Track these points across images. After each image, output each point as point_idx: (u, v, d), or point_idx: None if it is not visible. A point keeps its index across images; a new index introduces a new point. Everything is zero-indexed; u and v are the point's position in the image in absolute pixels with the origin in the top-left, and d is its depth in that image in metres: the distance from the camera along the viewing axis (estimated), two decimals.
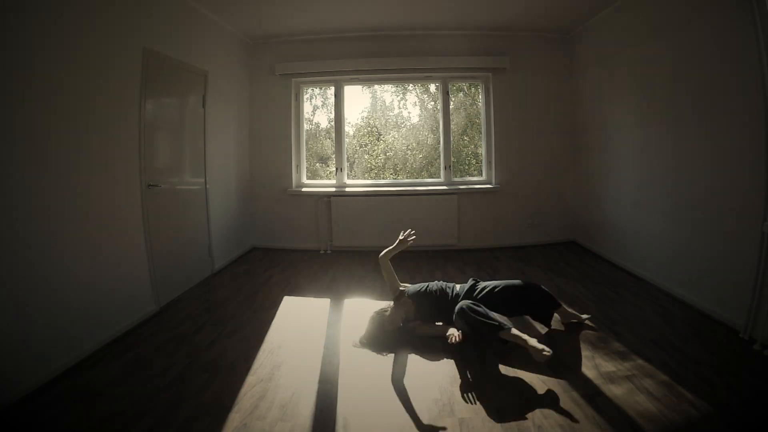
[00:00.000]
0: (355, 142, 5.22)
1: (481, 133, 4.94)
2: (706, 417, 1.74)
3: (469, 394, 1.96)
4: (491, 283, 2.57)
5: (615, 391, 1.94)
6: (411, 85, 5.11)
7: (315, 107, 5.15)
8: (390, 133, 5.28)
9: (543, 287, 2.61)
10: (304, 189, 4.81)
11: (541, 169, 4.77)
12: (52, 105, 2.20)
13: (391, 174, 5.24)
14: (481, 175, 4.94)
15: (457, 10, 3.98)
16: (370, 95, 5.20)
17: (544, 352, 2.05)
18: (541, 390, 1.99)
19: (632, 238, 3.68)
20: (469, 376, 2.12)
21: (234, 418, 1.83)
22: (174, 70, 3.35)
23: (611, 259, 4.02)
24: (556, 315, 2.63)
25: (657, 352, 2.28)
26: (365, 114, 5.25)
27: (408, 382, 2.10)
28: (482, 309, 2.30)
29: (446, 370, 2.20)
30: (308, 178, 5.05)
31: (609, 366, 2.17)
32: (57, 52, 2.23)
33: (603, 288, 3.34)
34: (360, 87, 5.06)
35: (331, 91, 4.89)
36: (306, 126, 5.05)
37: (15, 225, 2.01)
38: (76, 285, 2.36)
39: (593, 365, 2.18)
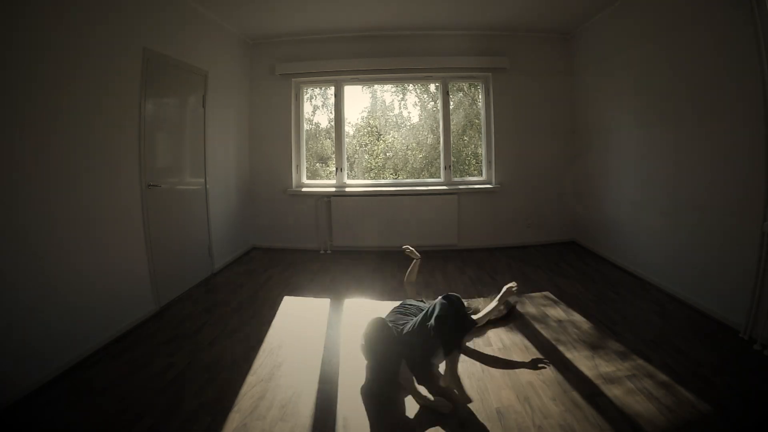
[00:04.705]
0: (355, 142, 5.22)
1: (480, 133, 4.94)
2: (706, 417, 1.74)
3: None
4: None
5: (615, 391, 1.94)
6: (411, 85, 5.11)
7: (315, 107, 5.15)
8: (390, 133, 5.28)
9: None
10: (304, 189, 4.81)
11: (541, 169, 4.77)
12: (51, 105, 2.20)
13: (391, 174, 5.24)
14: (481, 175, 4.94)
15: (457, 10, 3.98)
16: (370, 95, 5.20)
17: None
18: (541, 390, 1.99)
19: (632, 238, 3.68)
20: (467, 377, 2.13)
21: (234, 418, 1.83)
22: (174, 70, 3.34)
23: (611, 259, 4.02)
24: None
25: (657, 352, 2.28)
26: (365, 114, 5.25)
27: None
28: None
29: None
30: (308, 178, 5.04)
31: (609, 366, 2.17)
32: (56, 52, 2.23)
33: (603, 288, 3.34)
34: (360, 87, 5.05)
35: (331, 91, 4.88)
36: (306, 126, 5.04)
37: (15, 225, 2.01)
38: (76, 285, 2.36)
39: (593, 365, 2.18)
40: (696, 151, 2.87)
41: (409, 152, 5.24)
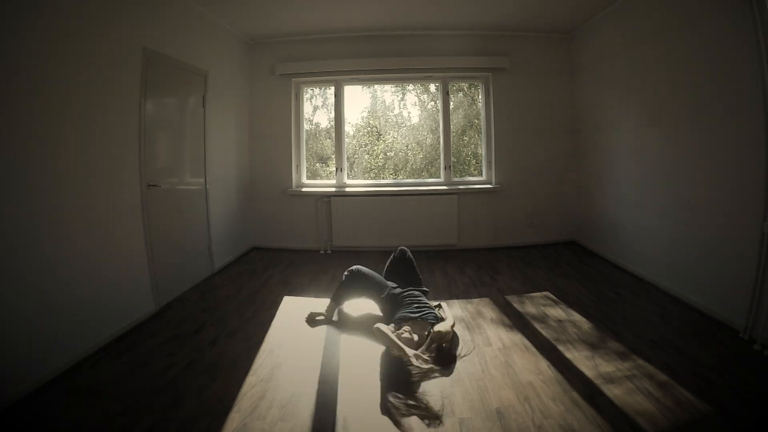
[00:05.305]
0: (355, 142, 5.22)
1: (480, 133, 4.94)
2: (706, 417, 1.74)
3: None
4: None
5: (615, 391, 1.94)
6: (411, 85, 5.12)
7: (315, 107, 5.15)
8: (390, 133, 5.28)
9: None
10: (304, 189, 4.81)
11: (541, 168, 4.77)
12: (51, 105, 2.20)
13: (391, 174, 5.24)
14: (481, 175, 4.94)
15: (457, 10, 3.99)
16: (370, 95, 5.20)
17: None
18: (541, 390, 1.99)
19: (632, 238, 3.68)
20: (467, 377, 2.13)
21: (234, 418, 1.83)
22: (174, 70, 3.34)
23: (611, 259, 4.02)
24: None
25: (657, 352, 2.28)
26: (365, 114, 5.25)
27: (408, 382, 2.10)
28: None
29: (446, 370, 2.20)
30: (308, 178, 5.05)
31: (609, 366, 2.17)
32: (56, 52, 2.23)
33: (603, 288, 3.34)
34: (360, 87, 5.05)
35: (331, 91, 4.89)
36: (306, 126, 5.05)
37: (16, 224, 2.01)
38: (76, 284, 2.36)
39: (593, 365, 2.18)
40: (696, 151, 2.87)
41: (409, 152, 5.24)
